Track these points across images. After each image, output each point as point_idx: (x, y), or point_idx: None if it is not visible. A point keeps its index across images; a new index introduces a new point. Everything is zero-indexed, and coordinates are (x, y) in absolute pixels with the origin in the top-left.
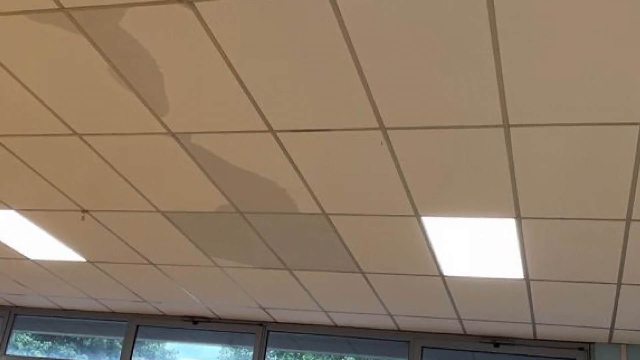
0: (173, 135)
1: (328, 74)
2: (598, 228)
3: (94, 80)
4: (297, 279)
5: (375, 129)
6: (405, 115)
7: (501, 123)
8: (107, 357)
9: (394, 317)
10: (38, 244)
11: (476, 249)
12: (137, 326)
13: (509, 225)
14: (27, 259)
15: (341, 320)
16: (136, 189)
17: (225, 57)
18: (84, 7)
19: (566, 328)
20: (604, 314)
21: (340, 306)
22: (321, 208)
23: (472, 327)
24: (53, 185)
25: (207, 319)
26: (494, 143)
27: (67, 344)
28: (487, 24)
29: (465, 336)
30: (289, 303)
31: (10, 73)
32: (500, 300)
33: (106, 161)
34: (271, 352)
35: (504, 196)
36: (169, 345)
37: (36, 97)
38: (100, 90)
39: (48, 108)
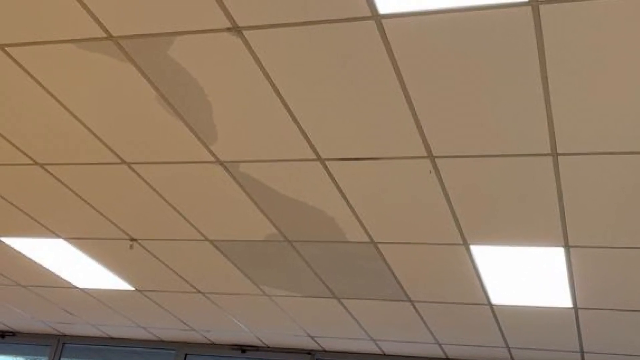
0: (221, 163)
1: (376, 102)
2: None
3: (142, 108)
4: (345, 307)
5: (423, 157)
6: (454, 144)
7: (550, 151)
8: None
9: (443, 345)
10: (86, 272)
11: (524, 277)
12: (186, 355)
13: (557, 254)
14: (75, 287)
15: (390, 349)
16: (185, 218)
17: (273, 86)
18: (132, 35)
19: (615, 357)
20: None
21: (389, 335)
22: (370, 237)
23: (521, 356)
24: (102, 214)
25: (255, 348)
26: (542, 171)
27: None
28: (535, 52)
29: None
30: (338, 332)
31: (59, 102)
32: (549, 329)
33: (155, 190)
34: None
35: (552, 224)
36: None
37: (85, 125)
38: (149, 119)
39: (96, 137)
